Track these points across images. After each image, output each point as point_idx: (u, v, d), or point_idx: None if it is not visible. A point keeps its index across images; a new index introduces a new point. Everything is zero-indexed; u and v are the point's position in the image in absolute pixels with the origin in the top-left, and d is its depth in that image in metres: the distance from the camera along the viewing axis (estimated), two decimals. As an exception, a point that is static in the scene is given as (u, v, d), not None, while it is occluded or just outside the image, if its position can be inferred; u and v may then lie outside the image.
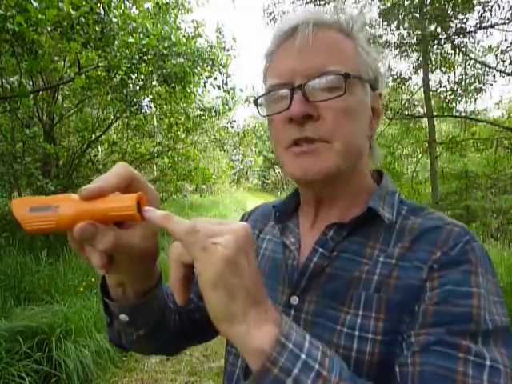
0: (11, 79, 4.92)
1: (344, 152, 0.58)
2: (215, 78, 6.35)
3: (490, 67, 6.97)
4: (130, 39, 4.31)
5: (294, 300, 0.61)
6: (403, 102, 7.60)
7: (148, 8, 5.56)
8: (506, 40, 6.57)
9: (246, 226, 0.42)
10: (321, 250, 0.62)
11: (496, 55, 6.90)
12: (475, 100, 7.55)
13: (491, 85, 7.19)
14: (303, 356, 0.41)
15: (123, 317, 0.58)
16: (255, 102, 0.66)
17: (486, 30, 6.27)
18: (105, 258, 0.45)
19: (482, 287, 0.51)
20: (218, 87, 6.52)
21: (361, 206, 0.63)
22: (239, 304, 0.40)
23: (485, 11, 5.80)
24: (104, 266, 0.46)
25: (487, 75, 7.20)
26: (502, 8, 5.74)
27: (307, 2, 7.09)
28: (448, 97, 7.34)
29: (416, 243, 0.57)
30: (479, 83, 7.29)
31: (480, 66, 7.21)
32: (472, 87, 7.30)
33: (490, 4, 5.72)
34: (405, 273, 0.55)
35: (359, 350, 0.53)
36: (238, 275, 0.40)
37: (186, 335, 0.73)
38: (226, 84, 6.61)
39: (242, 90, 7.48)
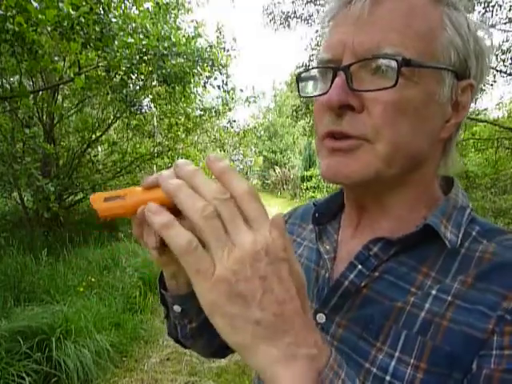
0: (11, 79, 4.92)
1: (389, 157, 0.47)
2: (215, 78, 6.36)
3: (490, 67, 6.97)
4: (130, 40, 4.31)
5: (321, 318, 0.52)
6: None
7: (148, 8, 5.56)
8: (507, 40, 6.56)
9: (267, 239, 0.33)
10: (360, 266, 0.51)
11: (497, 55, 6.90)
12: (475, 100, 7.55)
13: (491, 85, 7.19)
14: None
15: (176, 308, 0.61)
16: (297, 78, 0.56)
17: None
18: (159, 239, 0.49)
19: None
20: (218, 87, 6.53)
21: (417, 220, 0.51)
22: (246, 336, 0.33)
23: (486, 11, 5.79)
24: (157, 247, 0.49)
25: (487, 75, 7.20)
26: (502, 8, 5.73)
27: (307, 2, 7.09)
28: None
29: (483, 280, 0.43)
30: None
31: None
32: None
33: (491, 4, 5.72)
34: (463, 316, 0.42)
35: None
36: (240, 304, 0.32)
37: None
38: (226, 84, 6.62)
39: (242, 91, 7.49)
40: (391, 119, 0.45)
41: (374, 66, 0.45)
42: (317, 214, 0.63)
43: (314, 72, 0.54)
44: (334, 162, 0.49)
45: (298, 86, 0.56)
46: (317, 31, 7.09)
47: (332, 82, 0.47)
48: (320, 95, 0.49)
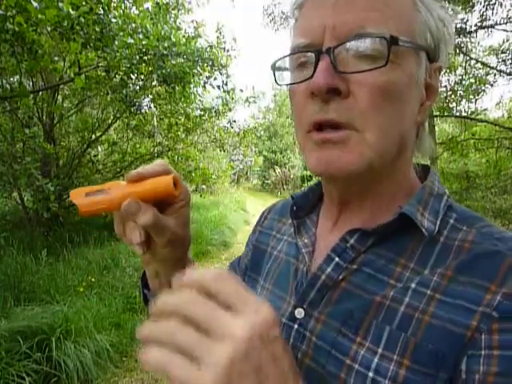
0: (11, 79, 4.92)
1: (380, 145, 0.45)
2: (215, 79, 6.36)
3: (490, 67, 6.97)
4: (130, 40, 4.31)
5: (299, 313, 0.51)
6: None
7: (148, 8, 5.56)
8: (507, 40, 6.57)
9: (258, 320, 0.31)
10: (337, 259, 0.50)
11: (497, 55, 6.91)
12: (476, 101, 7.55)
13: (491, 85, 7.19)
14: None
15: None
16: (273, 67, 0.52)
17: (487, 30, 6.27)
18: (143, 235, 0.49)
19: None
20: (218, 87, 6.52)
21: (395, 209, 0.49)
22: None
23: (487, 9, 5.78)
24: (142, 243, 0.50)
25: (487, 75, 7.21)
26: (503, 6, 5.73)
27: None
28: (448, 97, 7.35)
29: (464, 272, 0.42)
30: (480, 83, 7.29)
31: (481, 66, 7.21)
32: (473, 87, 7.30)
33: (492, 2, 5.71)
34: (444, 311, 0.41)
35: None
36: None
37: None
38: (226, 84, 6.61)
39: (242, 91, 7.48)
40: (378, 103, 0.44)
41: (358, 48, 0.43)
42: (295, 208, 0.61)
43: (289, 62, 0.51)
44: (324, 155, 0.46)
45: (275, 75, 0.53)
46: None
47: (316, 67, 0.44)
48: (302, 81, 0.46)
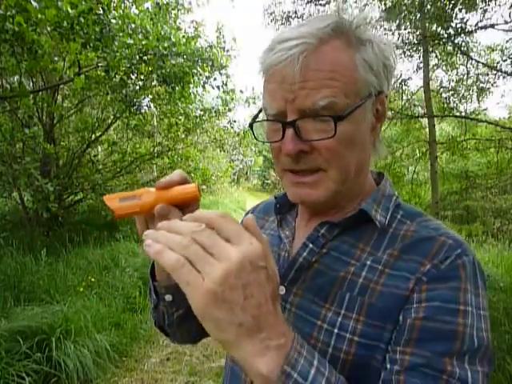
0: (11, 79, 4.92)
1: (341, 178, 0.59)
2: (215, 79, 6.35)
3: (491, 67, 6.97)
4: (130, 40, 4.30)
5: (281, 290, 0.64)
6: (403, 103, 7.60)
7: (148, 8, 5.55)
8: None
9: (249, 250, 0.40)
10: (311, 245, 0.64)
11: (501, 52, 6.89)
12: (478, 101, 7.55)
13: (492, 85, 7.19)
14: None
15: (168, 297, 0.69)
16: (250, 126, 0.66)
17: (487, 30, 6.26)
18: None
19: (470, 304, 0.51)
20: (218, 88, 6.52)
21: (357, 207, 0.64)
22: (230, 336, 0.41)
23: (488, 5, 5.76)
24: None
25: (487, 75, 7.20)
26: (504, 4, 5.71)
27: (308, 2, 7.08)
28: (450, 97, 7.34)
29: (406, 253, 0.57)
30: (481, 83, 7.29)
31: (481, 66, 7.21)
32: (474, 87, 7.30)
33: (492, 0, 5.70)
34: (391, 281, 0.56)
35: (335, 347, 0.56)
36: (226, 310, 0.39)
37: None
38: (226, 84, 6.61)
39: (242, 92, 7.48)
40: (336, 151, 0.57)
41: (313, 121, 0.56)
42: (278, 205, 0.75)
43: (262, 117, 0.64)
44: (298, 192, 0.61)
45: (254, 133, 0.68)
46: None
47: (283, 133, 0.57)
48: (275, 142, 0.60)
